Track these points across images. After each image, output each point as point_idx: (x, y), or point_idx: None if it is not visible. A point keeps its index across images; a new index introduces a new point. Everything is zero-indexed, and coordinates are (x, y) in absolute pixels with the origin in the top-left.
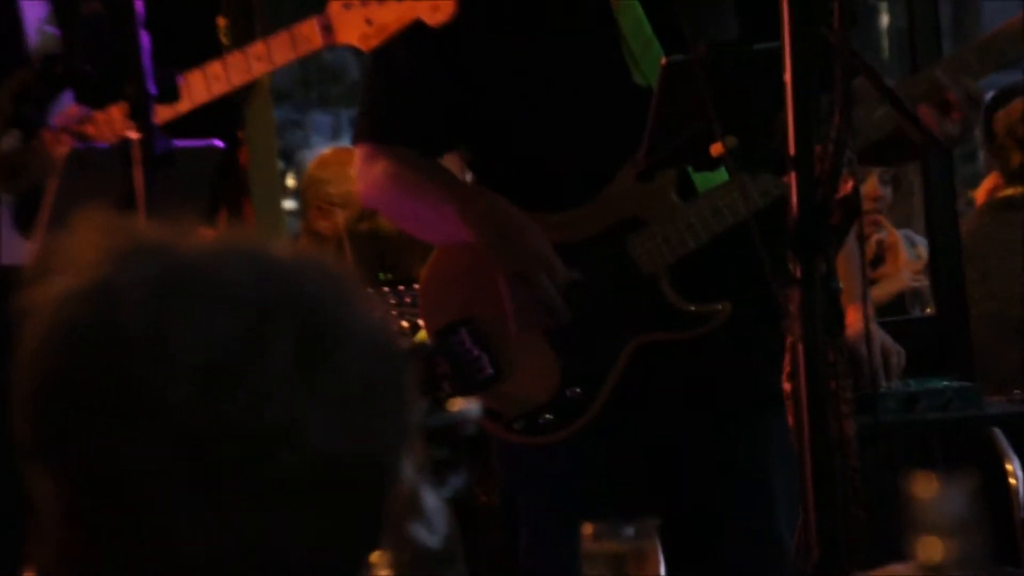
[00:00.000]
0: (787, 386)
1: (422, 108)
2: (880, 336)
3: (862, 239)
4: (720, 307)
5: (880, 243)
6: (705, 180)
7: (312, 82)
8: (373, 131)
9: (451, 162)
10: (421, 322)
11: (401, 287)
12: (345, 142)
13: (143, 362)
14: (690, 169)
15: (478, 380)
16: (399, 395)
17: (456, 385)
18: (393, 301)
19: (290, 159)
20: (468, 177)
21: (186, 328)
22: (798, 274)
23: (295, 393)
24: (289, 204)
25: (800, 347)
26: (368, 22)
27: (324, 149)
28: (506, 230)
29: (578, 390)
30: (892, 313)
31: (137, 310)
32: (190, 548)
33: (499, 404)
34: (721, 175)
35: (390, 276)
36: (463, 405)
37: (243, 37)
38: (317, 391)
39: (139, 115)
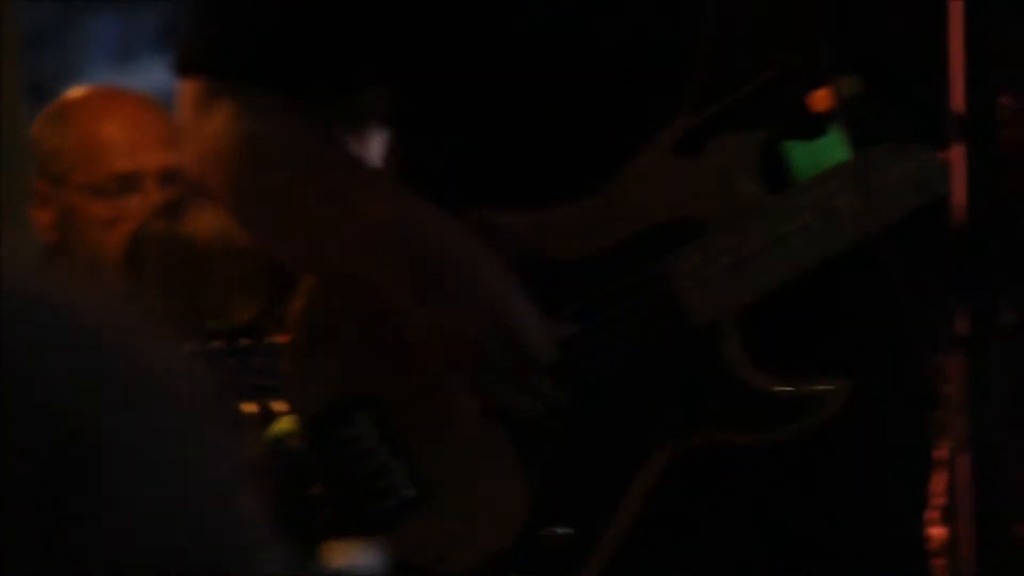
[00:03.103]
0: (939, 531)
1: (307, 18)
2: None
3: None
4: (830, 388)
5: None
6: (810, 158)
7: None
8: (214, 57)
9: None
10: (277, 405)
11: (246, 341)
12: (143, 69)
13: None
14: (785, 140)
15: (385, 508)
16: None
17: (344, 515)
18: (231, 364)
19: (44, 95)
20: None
21: None
22: (966, 327)
23: None
24: None
25: (966, 460)
26: None
27: (100, 82)
28: (440, 268)
29: (566, 531)
30: None
31: None
32: None
33: (422, 553)
34: (834, 149)
35: (223, 321)
36: (356, 554)
37: None
38: None
39: None
